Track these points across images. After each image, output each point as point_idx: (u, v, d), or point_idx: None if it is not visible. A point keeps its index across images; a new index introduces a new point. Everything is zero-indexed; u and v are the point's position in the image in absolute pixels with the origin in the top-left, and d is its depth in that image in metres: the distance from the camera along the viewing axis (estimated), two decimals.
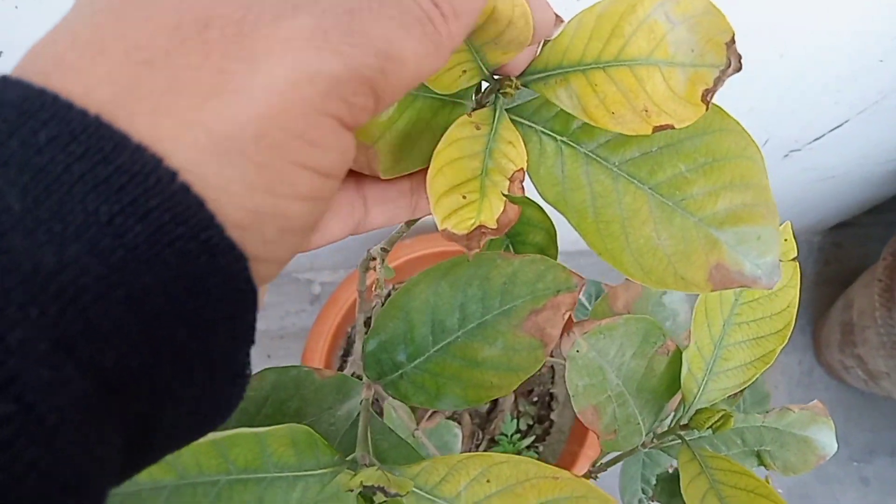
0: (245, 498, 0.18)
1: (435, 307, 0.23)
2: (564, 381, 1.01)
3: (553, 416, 0.93)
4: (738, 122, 0.21)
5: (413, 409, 0.93)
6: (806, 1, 0.59)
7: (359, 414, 0.23)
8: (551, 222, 0.27)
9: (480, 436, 0.93)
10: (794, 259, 0.29)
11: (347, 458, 0.21)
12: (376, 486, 0.19)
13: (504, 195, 0.20)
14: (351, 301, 0.85)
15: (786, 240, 0.29)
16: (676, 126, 0.19)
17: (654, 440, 0.31)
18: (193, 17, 0.14)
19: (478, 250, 0.19)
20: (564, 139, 0.22)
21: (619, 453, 0.37)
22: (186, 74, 0.14)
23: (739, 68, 0.18)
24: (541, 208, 0.27)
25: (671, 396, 0.31)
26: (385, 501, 0.19)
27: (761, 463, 0.34)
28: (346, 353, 0.92)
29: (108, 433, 0.13)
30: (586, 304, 0.51)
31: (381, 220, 0.23)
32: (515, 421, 0.90)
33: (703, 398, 0.30)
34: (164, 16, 0.14)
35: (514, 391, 0.93)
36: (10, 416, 0.11)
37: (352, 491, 0.19)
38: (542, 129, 0.22)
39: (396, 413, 0.64)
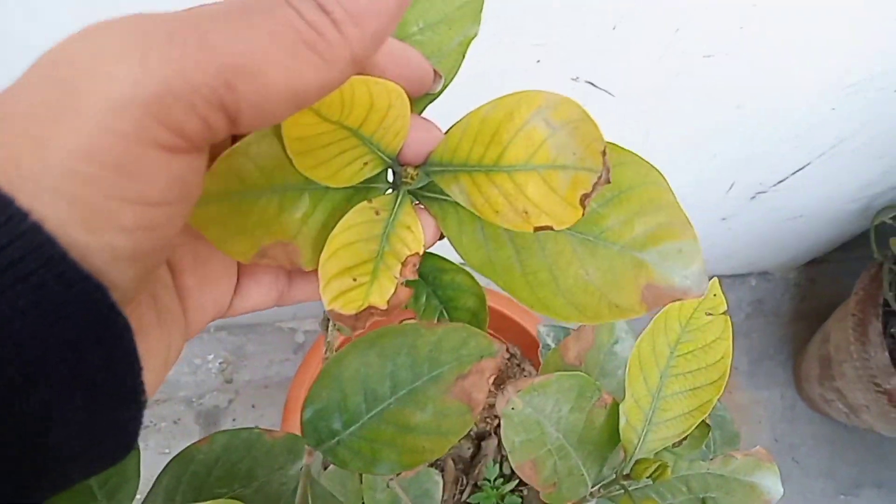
0: None
1: (366, 376, 0.24)
2: None
3: None
4: (634, 154, 0.22)
5: None
6: (757, 57, 0.62)
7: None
8: (480, 287, 0.29)
9: (465, 481, 0.93)
10: (724, 313, 0.31)
11: None
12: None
13: (395, 279, 0.21)
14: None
15: (714, 295, 0.31)
16: (556, 228, 0.20)
17: (601, 490, 0.33)
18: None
19: (362, 330, 0.20)
20: None
21: None
22: (17, 108, 0.14)
23: (608, 181, 0.19)
24: (471, 276, 0.29)
25: (613, 447, 0.32)
26: None
27: None
28: None
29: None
30: (553, 345, 0.52)
31: (303, 295, 0.24)
32: (498, 465, 0.90)
33: (644, 448, 0.31)
34: None
35: (497, 436, 0.93)
36: None
37: None
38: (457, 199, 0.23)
39: None
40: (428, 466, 0.92)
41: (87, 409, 0.15)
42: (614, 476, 0.32)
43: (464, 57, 0.23)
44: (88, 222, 0.14)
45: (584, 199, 0.19)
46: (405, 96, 0.20)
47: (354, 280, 0.21)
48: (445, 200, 0.23)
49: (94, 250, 0.14)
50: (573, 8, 0.52)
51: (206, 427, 1.03)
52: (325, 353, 0.30)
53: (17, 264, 0.13)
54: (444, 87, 0.23)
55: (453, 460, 0.93)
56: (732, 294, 1.20)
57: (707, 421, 0.40)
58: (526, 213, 0.20)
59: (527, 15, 0.52)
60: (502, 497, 0.89)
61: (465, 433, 0.23)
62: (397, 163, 0.22)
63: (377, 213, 0.22)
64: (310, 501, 0.23)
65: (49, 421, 0.14)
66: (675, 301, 0.21)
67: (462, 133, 0.21)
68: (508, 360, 0.99)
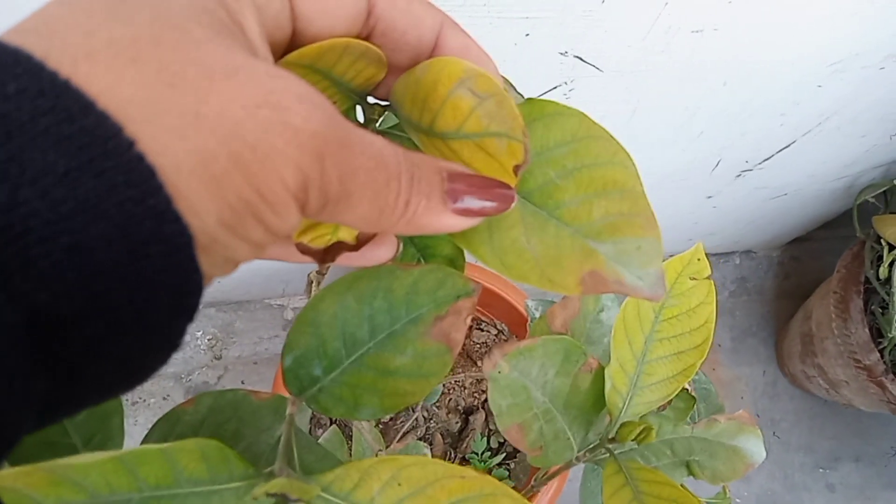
0: None
1: (344, 321, 0.24)
2: None
3: None
4: (605, 130, 0.21)
5: (382, 433, 0.94)
6: (745, 33, 0.62)
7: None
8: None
9: (453, 455, 0.94)
10: (708, 277, 0.31)
11: (265, 472, 0.22)
12: (279, 493, 0.20)
13: None
14: None
15: (699, 259, 0.31)
16: None
17: (587, 454, 0.33)
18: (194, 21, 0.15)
19: (331, 263, 0.20)
20: (437, 142, 0.22)
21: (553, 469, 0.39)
22: (177, 80, 0.15)
23: (528, 163, 0.19)
24: None
25: (599, 412, 0.32)
26: None
27: (690, 473, 0.36)
28: None
29: (31, 371, 0.14)
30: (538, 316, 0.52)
31: (276, 253, 0.24)
32: (486, 439, 0.91)
33: (629, 412, 0.31)
34: (166, 18, 0.15)
35: (485, 410, 0.94)
36: None
37: (256, 500, 0.20)
38: (409, 138, 0.23)
39: (364, 436, 0.65)
40: (416, 440, 0.93)
41: (132, 348, 0.15)
42: (599, 440, 0.33)
43: None
44: (234, 226, 0.15)
45: (517, 169, 0.19)
46: (378, 52, 0.20)
47: None
48: (411, 141, 0.23)
49: (218, 247, 0.15)
50: None
51: None
52: None
53: (116, 187, 0.13)
54: None
55: (441, 434, 0.94)
56: (717, 272, 1.22)
57: (692, 393, 0.40)
58: None
59: None
60: (489, 470, 0.91)
61: (446, 374, 0.23)
62: (365, 100, 0.22)
63: None
64: (294, 450, 0.23)
65: (96, 352, 0.15)
66: (619, 293, 0.20)
67: (404, 90, 0.21)
68: (496, 336, 1.00)
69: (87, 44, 0.14)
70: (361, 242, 0.21)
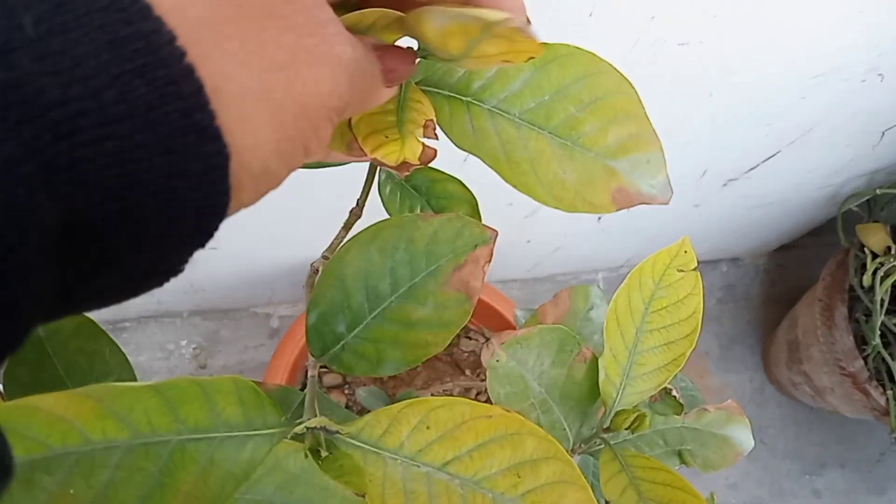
0: (197, 457, 0.20)
1: (367, 273, 0.25)
2: None
3: None
4: (610, 64, 0.24)
5: None
6: (730, 46, 0.64)
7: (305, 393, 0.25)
8: (472, 194, 0.31)
9: None
10: (695, 269, 0.33)
11: (296, 422, 0.22)
12: (319, 426, 0.21)
13: (420, 140, 0.23)
14: None
15: (685, 252, 0.33)
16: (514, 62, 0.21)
17: (583, 445, 0.34)
18: None
19: (408, 173, 0.22)
20: (469, 99, 0.25)
21: None
22: (257, 27, 0.15)
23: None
24: (462, 184, 0.30)
25: (594, 402, 0.33)
26: (331, 455, 0.21)
27: (682, 461, 0.37)
28: (304, 386, 0.93)
29: (54, 268, 0.14)
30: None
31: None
32: None
33: (622, 402, 0.33)
34: None
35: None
36: None
37: (298, 438, 0.21)
38: (449, 93, 0.25)
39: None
40: None
41: (150, 259, 0.15)
42: (594, 431, 0.34)
43: None
44: (285, 156, 0.16)
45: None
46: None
47: (386, 137, 0.23)
48: (439, 93, 0.25)
49: (264, 175, 0.16)
50: None
51: None
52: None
53: (166, 96, 0.13)
54: None
55: None
56: (704, 280, 1.22)
57: (680, 400, 0.42)
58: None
59: None
60: None
61: (465, 323, 0.24)
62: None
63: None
64: (317, 410, 0.24)
65: (117, 259, 0.15)
66: (642, 204, 0.23)
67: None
68: (484, 344, 1.00)
69: None
70: (425, 161, 0.23)
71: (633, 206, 0.23)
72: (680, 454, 0.36)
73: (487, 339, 1.01)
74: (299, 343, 0.85)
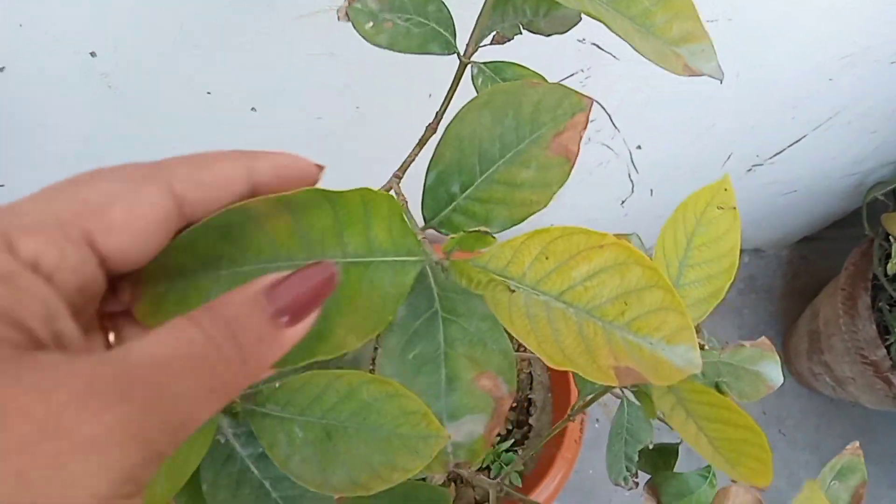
0: (360, 279, 0.23)
1: (481, 137, 0.27)
2: (542, 388, 1.02)
3: (531, 420, 0.96)
4: None
5: None
6: (757, 25, 0.65)
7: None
8: None
9: None
10: (734, 207, 0.34)
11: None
12: (472, 228, 0.24)
13: None
14: None
15: (725, 190, 0.34)
16: None
17: None
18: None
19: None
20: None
21: (590, 397, 0.41)
22: None
23: None
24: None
25: None
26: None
27: (720, 391, 0.38)
28: None
29: None
30: None
31: None
32: None
33: None
34: None
35: None
36: None
37: (447, 257, 0.24)
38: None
39: None
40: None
41: None
42: None
43: None
44: None
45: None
46: None
47: None
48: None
49: None
50: None
51: None
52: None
53: None
54: None
55: None
56: None
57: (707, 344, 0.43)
58: None
59: None
60: (499, 455, 0.92)
61: (564, 182, 0.26)
62: None
63: None
64: (434, 289, 0.25)
65: None
66: (703, 76, 0.28)
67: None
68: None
69: None
70: None
71: (698, 75, 0.28)
72: (717, 385, 0.37)
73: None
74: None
